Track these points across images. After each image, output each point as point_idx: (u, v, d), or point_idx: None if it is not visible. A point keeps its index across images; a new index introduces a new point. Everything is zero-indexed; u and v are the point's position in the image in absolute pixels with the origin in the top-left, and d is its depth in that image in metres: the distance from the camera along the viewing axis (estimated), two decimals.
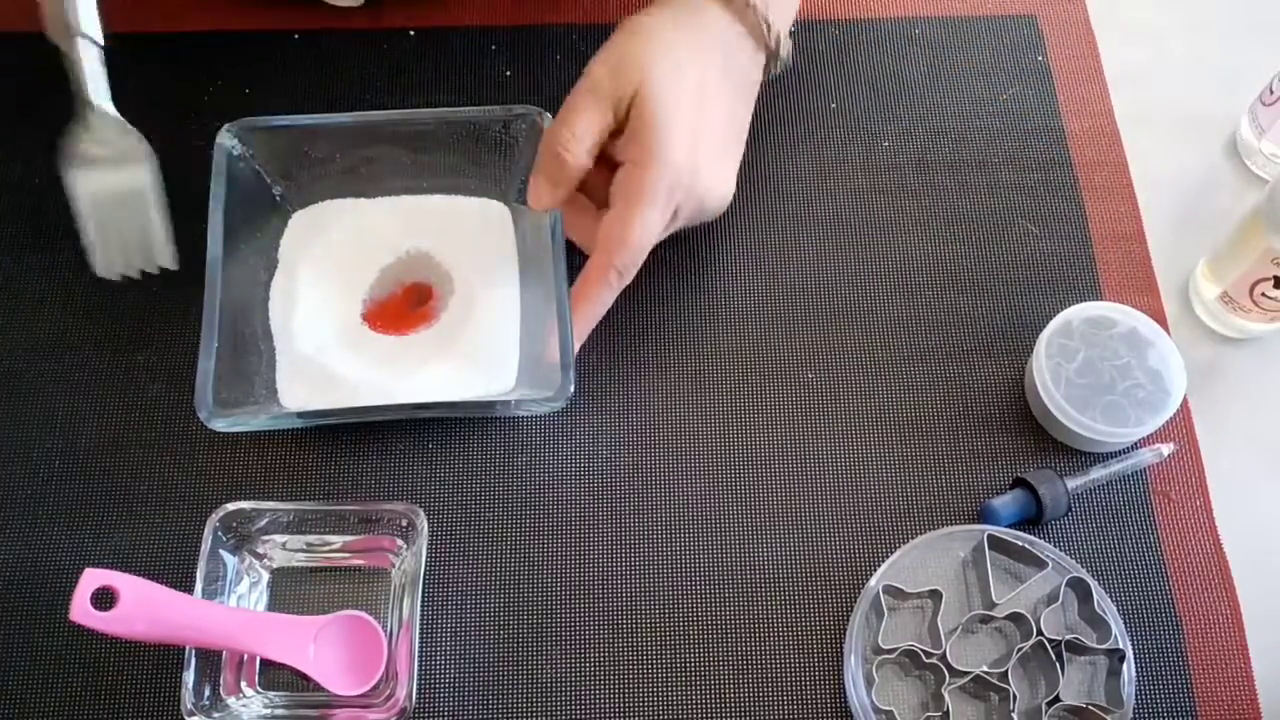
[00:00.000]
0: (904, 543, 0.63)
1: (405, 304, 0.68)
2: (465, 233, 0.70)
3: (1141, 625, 0.62)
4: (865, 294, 0.71)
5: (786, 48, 0.67)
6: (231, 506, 0.59)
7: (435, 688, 0.60)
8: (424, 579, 0.58)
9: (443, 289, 0.69)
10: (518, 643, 0.61)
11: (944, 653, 0.60)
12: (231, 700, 0.58)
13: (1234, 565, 0.64)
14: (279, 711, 0.59)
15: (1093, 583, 0.61)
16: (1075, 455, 0.66)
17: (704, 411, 0.67)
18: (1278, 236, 0.63)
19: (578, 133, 0.61)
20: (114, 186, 0.62)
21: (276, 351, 0.66)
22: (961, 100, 0.77)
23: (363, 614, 0.60)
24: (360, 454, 0.66)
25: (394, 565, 0.62)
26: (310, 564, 0.63)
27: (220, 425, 0.59)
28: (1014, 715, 0.59)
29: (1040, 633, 0.60)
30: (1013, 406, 0.68)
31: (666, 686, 0.61)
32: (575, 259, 0.64)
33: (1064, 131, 0.76)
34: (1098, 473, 0.65)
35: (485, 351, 0.66)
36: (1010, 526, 0.63)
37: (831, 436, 0.67)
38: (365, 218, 0.70)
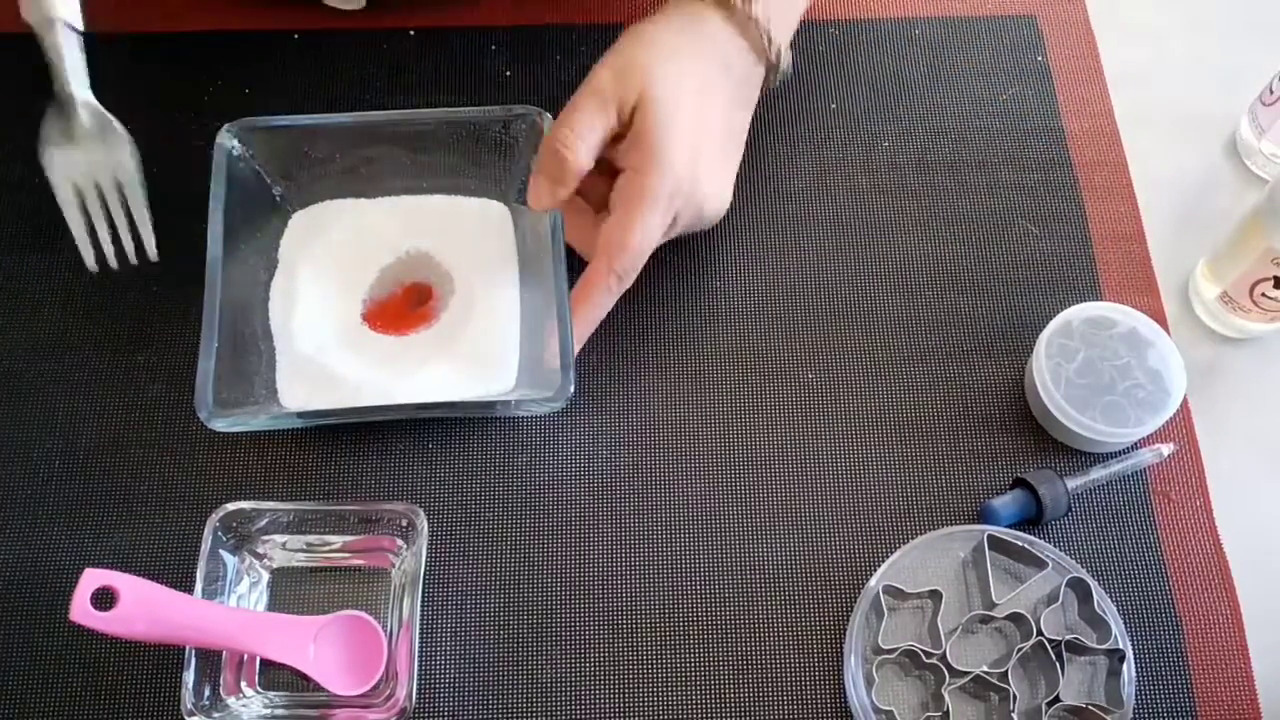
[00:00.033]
0: (904, 543, 0.63)
1: (405, 304, 0.68)
2: (465, 233, 0.70)
3: (1141, 625, 0.62)
4: (865, 294, 0.71)
5: (786, 60, 0.67)
6: (231, 506, 0.59)
7: (435, 688, 0.60)
8: (424, 579, 0.58)
9: (443, 289, 0.69)
10: (518, 643, 0.61)
11: (944, 653, 0.60)
12: (231, 700, 0.58)
13: (1234, 565, 0.64)
14: (279, 711, 0.59)
15: (1093, 583, 0.61)
16: (1075, 455, 0.66)
17: (704, 412, 0.67)
18: (1278, 236, 0.63)
19: (580, 132, 0.61)
20: (95, 174, 0.63)
21: (276, 351, 0.66)
22: (961, 100, 0.77)
23: (363, 614, 0.60)
24: (360, 454, 0.66)
25: (394, 565, 0.62)
26: (310, 564, 0.63)
27: (220, 425, 0.59)
28: (1014, 715, 0.59)
29: (1040, 633, 0.60)
30: (1013, 406, 0.68)
31: (666, 687, 0.61)
32: (575, 261, 0.64)
33: (1064, 131, 0.76)
34: (1098, 473, 0.65)
35: (485, 351, 0.66)
36: (1010, 526, 0.63)
37: (831, 437, 0.67)
38: (365, 218, 0.70)
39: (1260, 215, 0.64)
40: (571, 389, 0.60)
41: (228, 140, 0.65)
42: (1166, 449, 0.65)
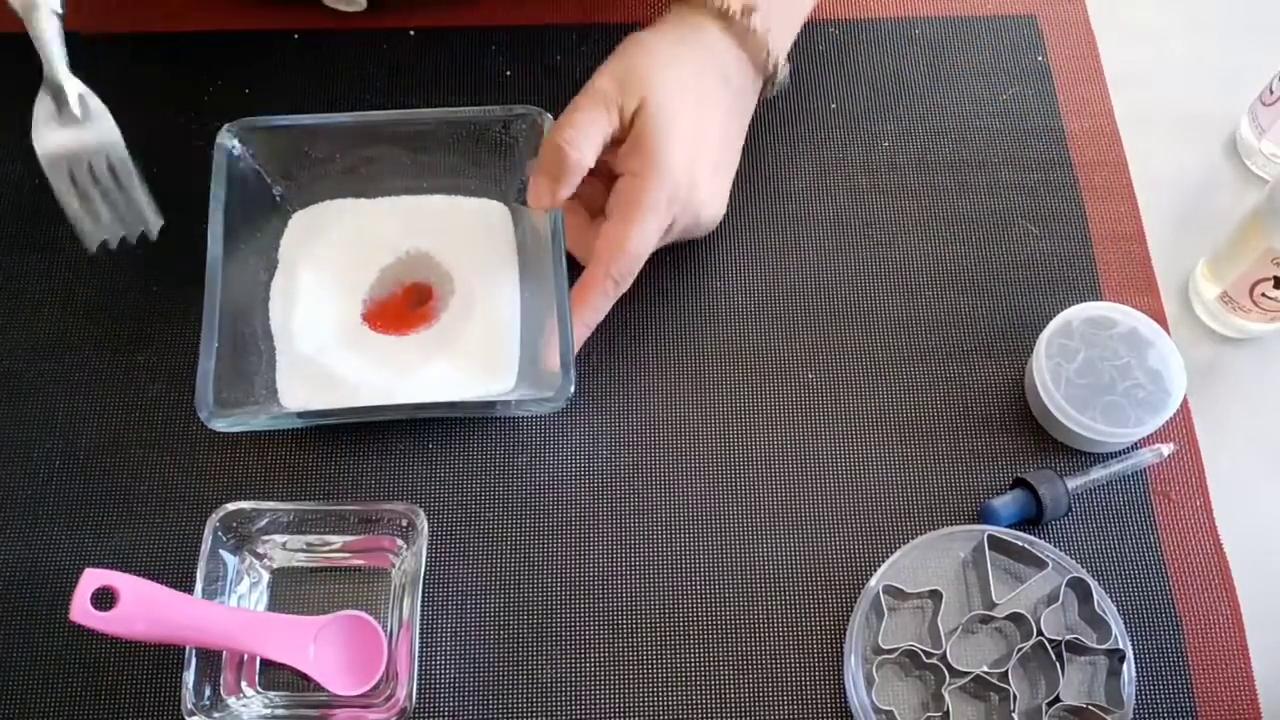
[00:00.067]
0: (904, 543, 0.63)
1: (405, 304, 0.68)
2: (465, 233, 0.70)
3: (1141, 625, 0.62)
4: (865, 294, 0.71)
5: (784, 73, 0.68)
6: (231, 506, 0.59)
7: (435, 688, 0.60)
8: (424, 579, 0.58)
9: (443, 289, 0.69)
10: (518, 643, 0.61)
11: (944, 653, 0.60)
12: (232, 700, 0.58)
13: (1234, 565, 0.64)
14: (279, 711, 0.59)
15: (1093, 583, 0.61)
16: (1075, 455, 0.66)
17: (704, 411, 0.67)
18: (1278, 236, 0.63)
19: (582, 130, 0.61)
20: (87, 154, 0.63)
21: (276, 351, 0.66)
22: (961, 100, 0.77)
23: (363, 614, 0.60)
24: (360, 454, 0.66)
25: (394, 565, 0.62)
26: (310, 564, 0.63)
27: (220, 425, 0.59)
28: (1014, 715, 0.59)
29: (1040, 633, 0.60)
30: (1013, 406, 0.68)
31: (667, 686, 0.61)
32: (573, 264, 0.64)
33: (1064, 131, 0.76)
34: (1098, 473, 0.65)
35: (485, 351, 0.66)
36: (1010, 526, 0.63)
37: (831, 436, 0.67)
38: (365, 218, 0.70)
39: (1260, 215, 0.64)
40: (571, 389, 0.60)
41: (228, 140, 0.65)
42: (1166, 449, 0.65)
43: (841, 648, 0.61)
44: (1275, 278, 0.65)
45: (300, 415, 0.63)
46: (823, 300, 0.70)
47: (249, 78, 0.76)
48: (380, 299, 0.68)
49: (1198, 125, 0.78)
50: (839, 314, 0.70)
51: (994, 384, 0.68)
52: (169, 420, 0.66)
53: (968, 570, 0.63)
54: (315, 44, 0.77)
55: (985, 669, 0.60)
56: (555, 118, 0.63)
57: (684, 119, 0.63)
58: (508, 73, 0.77)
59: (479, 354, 0.66)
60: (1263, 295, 0.66)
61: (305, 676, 0.59)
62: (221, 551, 0.59)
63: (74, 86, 0.62)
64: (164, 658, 0.60)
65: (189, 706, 0.55)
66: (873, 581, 0.62)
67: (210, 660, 0.58)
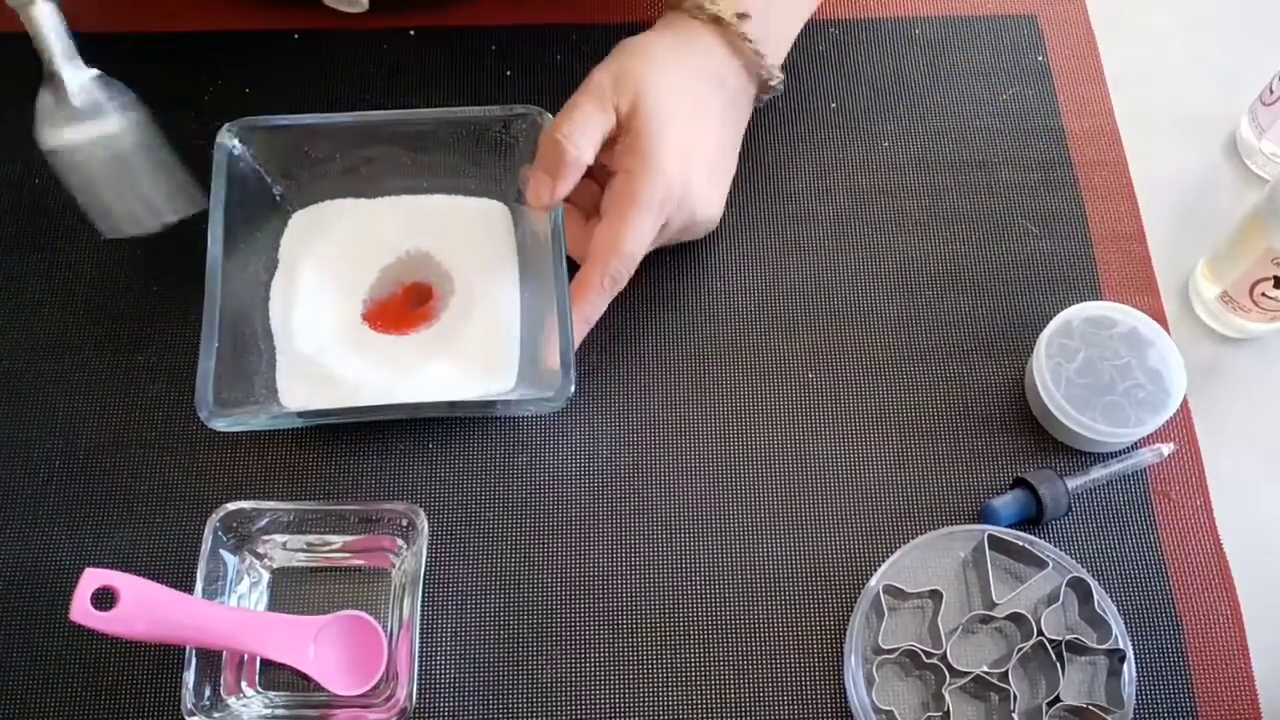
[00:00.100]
0: (904, 543, 0.63)
1: (405, 304, 0.68)
2: (465, 233, 0.70)
3: (1142, 625, 0.62)
4: (865, 294, 0.71)
5: (779, 79, 0.68)
6: (232, 506, 0.59)
7: (435, 688, 0.60)
8: (424, 579, 0.58)
9: (443, 289, 0.69)
10: (518, 643, 0.61)
11: (944, 653, 0.60)
12: (232, 700, 0.58)
13: (1234, 565, 0.64)
14: (279, 711, 0.59)
15: (1093, 583, 0.61)
16: (1075, 455, 0.66)
17: (704, 411, 0.67)
18: (1278, 236, 0.63)
19: (580, 126, 0.61)
20: (90, 146, 0.62)
21: (277, 351, 0.66)
22: (961, 100, 0.77)
23: (363, 614, 0.60)
24: (360, 454, 0.66)
25: (394, 565, 0.62)
26: (310, 564, 0.63)
27: (220, 425, 0.59)
28: (1014, 715, 0.59)
29: (1040, 633, 0.60)
30: (1013, 406, 0.68)
31: (667, 686, 0.61)
32: (572, 264, 0.64)
33: (1064, 131, 0.76)
34: (1098, 473, 0.65)
35: (485, 351, 0.66)
36: (1010, 526, 0.63)
37: (831, 436, 0.67)
38: (365, 218, 0.70)
39: (1260, 215, 0.64)
40: (571, 389, 0.60)
41: (228, 140, 0.65)
42: (1166, 449, 0.65)
43: (842, 648, 0.61)
44: (1275, 277, 0.65)
45: (300, 415, 0.63)
46: (823, 300, 0.70)
47: (249, 78, 0.76)
48: (380, 299, 0.68)
49: (1198, 125, 0.78)
50: (839, 314, 0.70)
51: (994, 384, 0.68)
52: (169, 420, 0.66)
53: (968, 570, 0.63)
54: (315, 44, 0.77)
55: (985, 669, 0.60)
56: (555, 117, 0.63)
57: (677, 119, 0.63)
58: (508, 73, 0.77)
59: (479, 354, 0.66)
60: (1263, 295, 0.66)
61: (305, 676, 0.59)
62: (221, 551, 0.59)
63: (76, 75, 0.61)
64: (164, 658, 0.60)
65: (189, 706, 0.55)
66: (873, 581, 0.62)
67: (210, 660, 0.58)
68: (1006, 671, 0.60)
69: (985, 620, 0.62)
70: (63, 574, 0.61)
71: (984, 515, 0.64)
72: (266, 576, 0.62)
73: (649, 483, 0.65)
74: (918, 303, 0.71)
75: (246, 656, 0.60)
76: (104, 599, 0.53)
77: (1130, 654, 0.60)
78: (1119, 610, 0.61)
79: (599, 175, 0.65)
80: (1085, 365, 0.66)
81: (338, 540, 0.62)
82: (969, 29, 0.80)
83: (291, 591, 0.62)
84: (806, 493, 0.65)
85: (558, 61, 0.77)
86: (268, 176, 0.68)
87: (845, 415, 0.67)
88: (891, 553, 0.62)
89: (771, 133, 0.75)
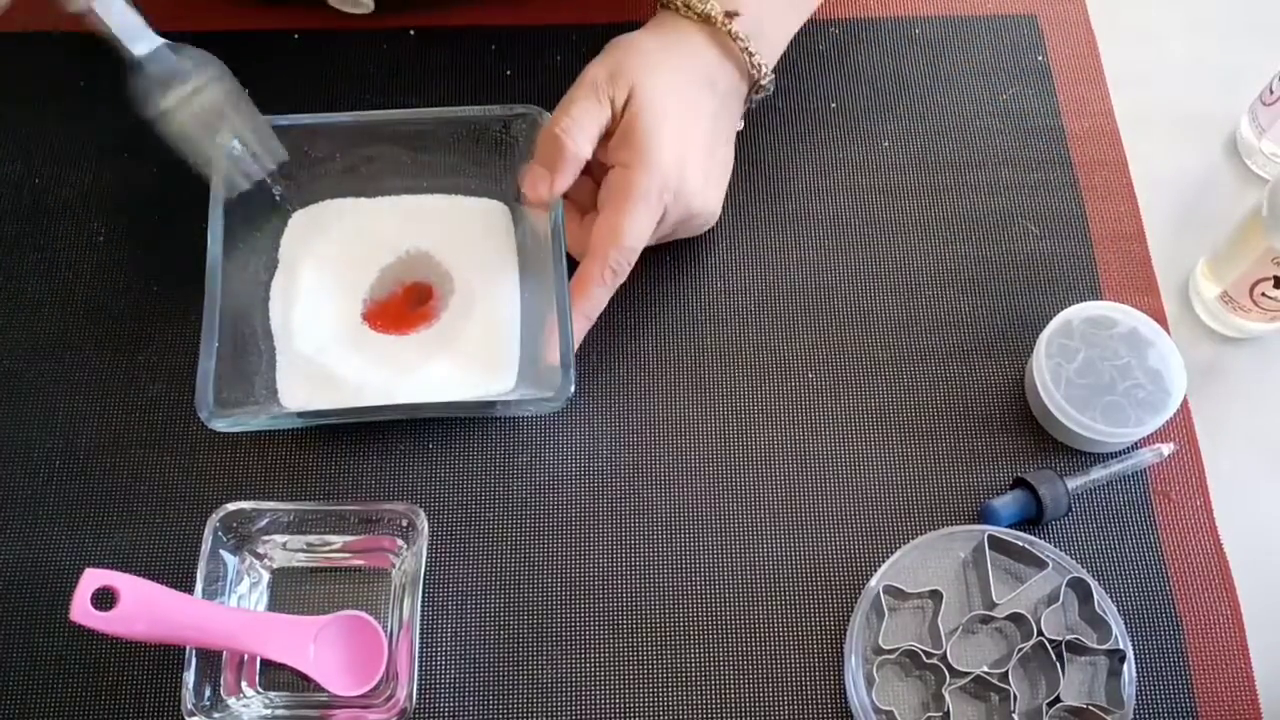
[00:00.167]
0: (904, 543, 0.63)
1: (405, 304, 0.68)
2: (465, 233, 0.70)
3: (1142, 625, 0.62)
4: (865, 294, 0.71)
5: (769, 79, 0.68)
6: (232, 506, 0.59)
7: (436, 688, 0.60)
8: (424, 579, 0.58)
9: (443, 289, 0.69)
10: (518, 643, 0.61)
11: (944, 653, 0.60)
12: (232, 700, 0.58)
13: (1234, 565, 0.64)
14: (279, 712, 0.59)
15: (1093, 583, 0.61)
16: (1075, 455, 0.66)
17: (704, 411, 0.67)
18: (1278, 236, 0.63)
19: (578, 121, 0.62)
20: (194, 109, 0.63)
21: (276, 351, 0.66)
22: (961, 100, 0.77)
23: (363, 614, 0.60)
24: (360, 454, 0.66)
25: (394, 565, 0.62)
26: (310, 564, 0.63)
27: (220, 425, 0.59)
28: (1014, 716, 0.59)
29: (1040, 633, 0.60)
30: (1013, 406, 0.68)
31: (667, 687, 0.61)
32: (572, 263, 0.64)
33: (1064, 131, 0.76)
34: (1098, 473, 0.65)
35: (485, 351, 0.66)
36: (1010, 526, 0.63)
37: (831, 436, 0.67)
38: (365, 218, 0.70)
39: (1260, 215, 0.64)
40: (571, 389, 0.60)
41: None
42: (1166, 449, 0.65)
43: (842, 648, 0.61)
44: (1275, 277, 0.65)
45: (300, 415, 0.63)
46: (823, 300, 0.70)
47: (249, 78, 0.75)
48: (380, 299, 0.68)
49: (1198, 125, 0.78)
50: (839, 314, 0.70)
51: (994, 384, 0.68)
52: (169, 420, 0.66)
53: (968, 570, 0.63)
54: (315, 44, 0.77)
55: (985, 669, 0.60)
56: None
57: (670, 113, 0.63)
58: (508, 73, 0.77)
59: (479, 354, 0.66)
60: (1263, 295, 0.66)
61: (305, 677, 0.59)
62: (221, 551, 0.59)
63: (154, 54, 0.62)
64: (164, 658, 0.60)
65: (189, 706, 0.55)
66: (873, 581, 0.62)
67: (210, 660, 0.58)
68: (1006, 672, 0.60)
69: (985, 620, 0.62)
70: (63, 574, 0.61)
71: (984, 515, 0.64)
72: (266, 576, 0.62)
73: (649, 483, 0.65)
74: (918, 303, 0.71)
75: (246, 657, 0.60)
76: (104, 599, 0.53)
77: (1130, 654, 0.60)
78: (1119, 610, 0.61)
79: (595, 171, 0.65)
80: (1085, 365, 0.66)
81: (338, 540, 0.62)
82: (969, 29, 0.80)
83: (291, 592, 0.62)
84: (806, 493, 0.65)
85: (558, 61, 0.77)
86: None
87: (845, 415, 0.67)
88: (891, 553, 0.62)
89: (771, 133, 0.75)
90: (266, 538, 0.61)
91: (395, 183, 0.70)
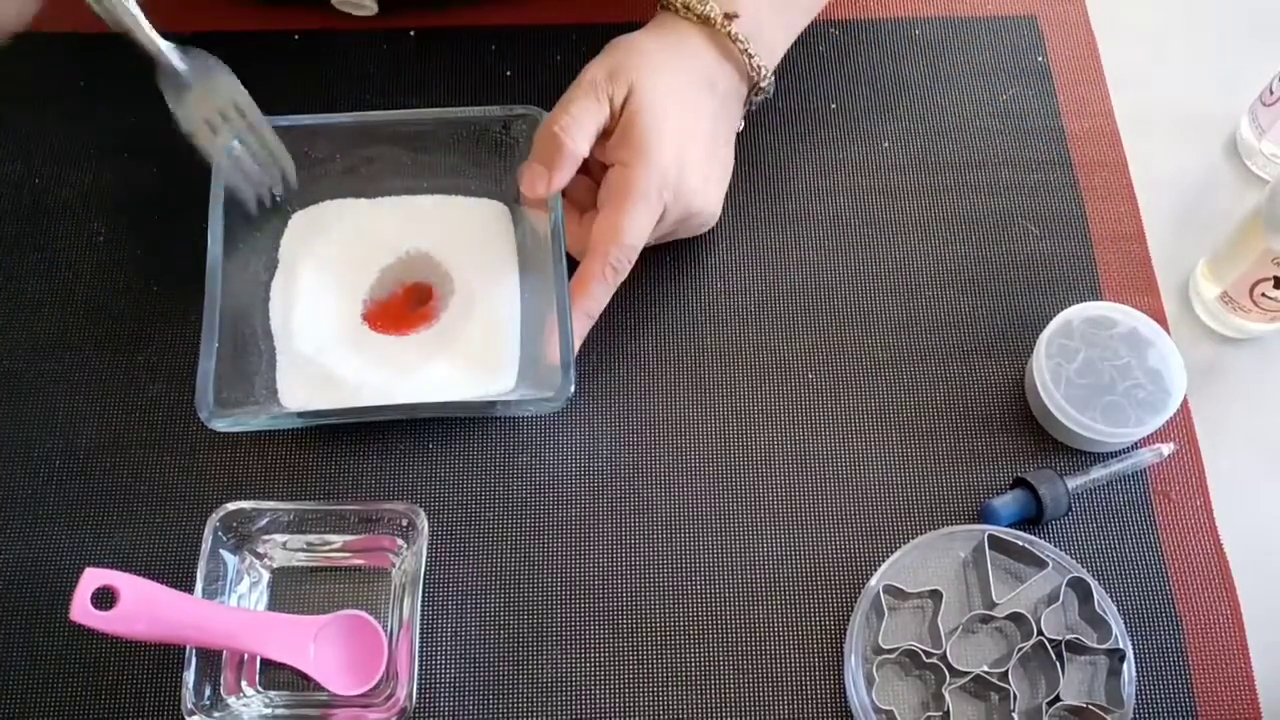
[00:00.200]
0: (904, 542, 0.63)
1: (405, 304, 0.68)
2: (465, 233, 0.70)
3: (1142, 625, 0.62)
4: (865, 294, 0.71)
5: (770, 81, 0.68)
6: (232, 506, 0.59)
7: (436, 687, 0.60)
8: (424, 579, 0.58)
9: (443, 289, 0.69)
10: (518, 642, 0.61)
11: (944, 652, 0.60)
12: (232, 700, 0.58)
13: (1234, 565, 0.64)
14: (279, 711, 0.59)
15: (1093, 583, 0.61)
16: (1075, 455, 0.66)
17: (704, 411, 0.67)
18: (1278, 237, 0.63)
19: (576, 118, 0.62)
20: (218, 106, 0.64)
21: (276, 351, 0.66)
22: (961, 100, 0.77)
23: (363, 614, 0.60)
24: (360, 454, 0.66)
25: (394, 565, 0.62)
26: (310, 564, 0.63)
27: (220, 425, 0.59)
28: (1014, 715, 0.59)
29: (1040, 633, 0.60)
30: (1013, 406, 0.68)
31: (667, 686, 0.61)
32: (572, 262, 0.64)
33: (1064, 132, 0.76)
34: (1098, 473, 0.65)
35: (485, 351, 0.66)
36: (1010, 526, 0.63)
37: (831, 436, 0.67)
38: (365, 218, 0.70)
39: (1260, 215, 0.64)
40: (571, 389, 0.60)
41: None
42: (1166, 449, 0.66)
43: (842, 647, 0.61)
44: (1275, 278, 0.65)
45: (300, 415, 0.63)
46: (823, 300, 0.70)
47: (249, 78, 0.75)
48: (380, 299, 0.68)
49: (1198, 125, 0.78)
50: (839, 314, 0.70)
51: (994, 384, 0.68)
52: (169, 420, 0.66)
53: (968, 570, 0.63)
54: (315, 44, 0.77)
55: (985, 669, 0.60)
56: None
57: (669, 112, 0.63)
58: (508, 73, 0.77)
59: (479, 354, 0.66)
60: (1263, 295, 0.66)
61: (305, 676, 0.59)
62: (221, 551, 0.59)
63: (177, 51, 0.63)
64: (164, 658, 0.60)
65: (189, 706, 0.55)
66: (873, 581, 0.62)
67: (210, 660, 0.58)
68: (1006, 671, 0.60)
69: (985, 620, 0.62)
70: (63, 574, 0.61)
71: (984, 515, 0.64)
72: (266, 576, 0.62)
73: (649, 483, 0.65)
74: (918, 303, 0.71)
75: (246, 656, 0.60)
76: (104, 599, 0.53)
77: (1130, 654, 0.60)
78: (1119, 610, 0.61)
79: (594, 171, 0.65)
80: (1085, 365, 0.66)
81: (338, 540, 0.62)
82: (969, 30, 0.80)
83: (291, 591, 0.62)
84: (806, 493, 0.65)
85: (558, 61, 0.77)
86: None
87: (845, 415, 0.67)
88: (891, 553, 0.62)
89: (771, 133, 0.75)
90: (266, 537, 0.61)
91: (395, 183, 0.70)
